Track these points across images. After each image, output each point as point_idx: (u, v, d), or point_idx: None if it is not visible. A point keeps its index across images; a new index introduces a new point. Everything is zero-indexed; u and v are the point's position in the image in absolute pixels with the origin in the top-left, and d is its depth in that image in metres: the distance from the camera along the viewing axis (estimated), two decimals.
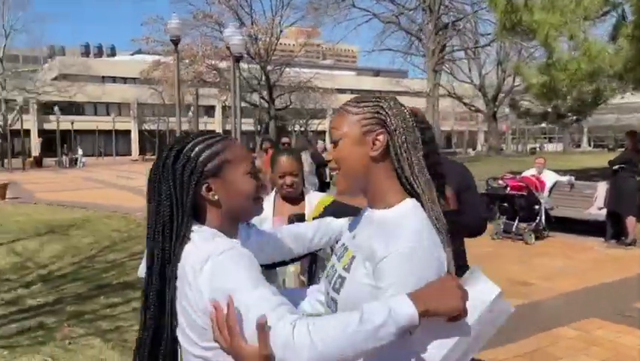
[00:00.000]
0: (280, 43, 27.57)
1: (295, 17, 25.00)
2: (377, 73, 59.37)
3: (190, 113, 41.71)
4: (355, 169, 1.31)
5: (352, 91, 57.24)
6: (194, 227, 1.25)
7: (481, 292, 1.13)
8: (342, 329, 1.02)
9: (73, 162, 36.39)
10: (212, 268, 1.14)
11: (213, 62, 23.14)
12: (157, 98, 40.98)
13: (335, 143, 1.33)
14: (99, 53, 68.10)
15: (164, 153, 1.30)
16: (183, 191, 1.25)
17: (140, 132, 50.22)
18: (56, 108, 40.03)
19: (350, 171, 1.32)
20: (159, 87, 35.49)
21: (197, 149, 1.28)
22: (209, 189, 1.27)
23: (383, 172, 1.30)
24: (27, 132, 45.85)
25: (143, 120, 49.84)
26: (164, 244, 1.23)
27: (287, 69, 26.63)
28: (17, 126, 36.64)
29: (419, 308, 1.04)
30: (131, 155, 49.55)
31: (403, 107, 1.36)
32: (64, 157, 37.50)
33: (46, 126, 45.75)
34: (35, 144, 46.67)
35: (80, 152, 37.69)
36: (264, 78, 24.45)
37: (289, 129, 42.99)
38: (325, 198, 2.83)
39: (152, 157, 19.57)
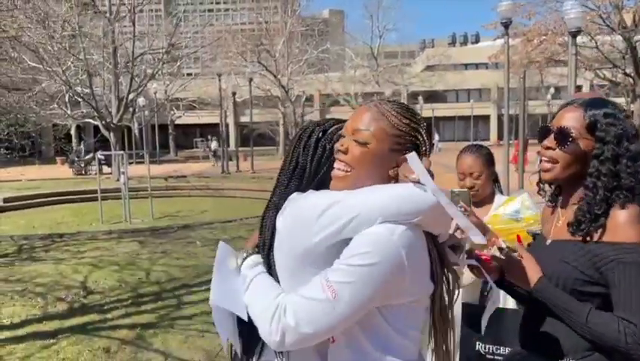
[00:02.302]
0: None
1: None
2: None
3: (549, 96, 39.50)
4: (367, 179, 1.31)
5: None
6: None
7: None
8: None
9: (431, 148, 39.30)
10: None
11: (566, 39, 21.27)
12: (515, 82, 40.23)
13: (360, 143, 1.32)
14: (464, 42, 70.78)
15: (308, 130, 1.51)
16: (319, 166, 1.44)
17: (499, 117, 50.18)
18: (420, 98, 43.81)
19: (362, 179, 1.31)
20: (520, 71, 34.74)
21: (339, 133, 1.45)
22: None
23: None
24: None
25: (501, 105, 49.67)
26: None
27: None
28: None
29: None
30: (489, 140, 50.12)
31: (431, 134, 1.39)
32: None
33: None
34: None
35: (437, 137, 40.33)
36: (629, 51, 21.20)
37: None
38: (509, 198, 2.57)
39: (512, 142, 19.25)
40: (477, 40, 65.72)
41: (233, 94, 28.70)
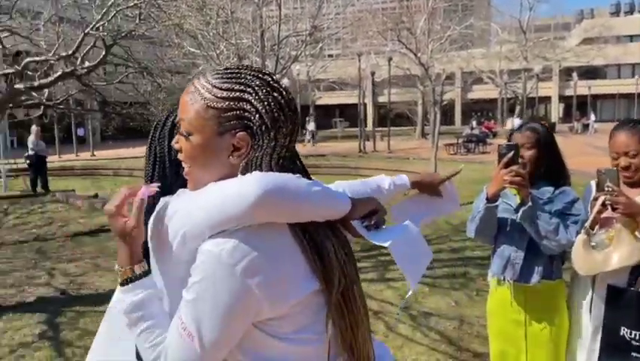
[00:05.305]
0: None
1: None
2: None
3: None
4: (207, 176, 1.09)
5: None
6: None
7: None
8: None
9: (585, 128, 35.97)
10: None
11: None
12: None
13: (184, 136, 1.10)
14: (630, 11, 63.14)
15: (162, 118, 1.41)
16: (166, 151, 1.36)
17: None
18: (574, 74, 40.29)
19: (202, 176, 1.10)
20: None
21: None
22: None
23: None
24: (548, 99, 48.64)
25: None
26: None
27: None
28: (542, 93, 40.30)
29: None
30: None
31: (276, 88, 1.11)
32: (575, 123, 37.58)
33: (568, 92, 46.79)
34: (556, 111, 49.03)
35: (593, 117, 36.79)
36: None
37: None
38: None
39: None
40: None
41: (372, 74, 28.80)
